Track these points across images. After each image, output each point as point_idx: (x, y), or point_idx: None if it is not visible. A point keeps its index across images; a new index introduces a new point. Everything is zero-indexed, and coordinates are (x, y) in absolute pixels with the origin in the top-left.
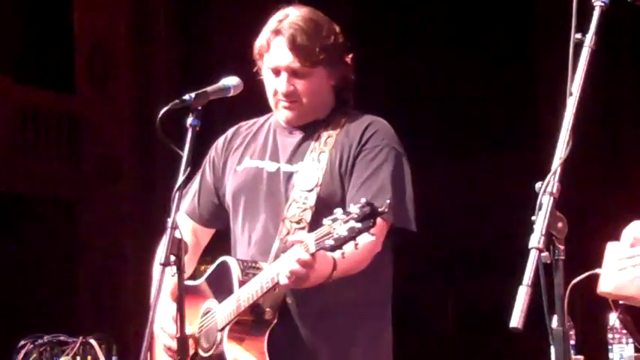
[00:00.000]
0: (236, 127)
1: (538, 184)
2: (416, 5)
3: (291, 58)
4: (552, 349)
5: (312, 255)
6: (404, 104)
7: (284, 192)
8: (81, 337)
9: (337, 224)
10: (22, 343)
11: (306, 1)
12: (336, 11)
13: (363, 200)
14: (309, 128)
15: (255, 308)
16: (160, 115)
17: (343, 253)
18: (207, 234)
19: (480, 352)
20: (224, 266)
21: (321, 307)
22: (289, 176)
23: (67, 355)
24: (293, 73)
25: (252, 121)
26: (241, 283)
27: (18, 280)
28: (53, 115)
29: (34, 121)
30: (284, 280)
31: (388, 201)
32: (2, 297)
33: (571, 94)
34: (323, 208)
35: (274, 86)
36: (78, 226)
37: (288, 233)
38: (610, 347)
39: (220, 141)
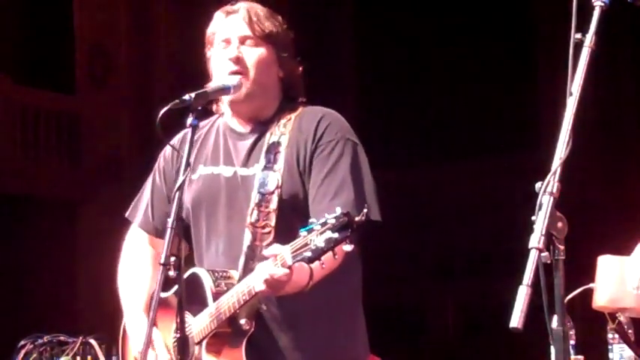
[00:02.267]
0: (182, 133)
1: (538, 184)
2: (416, 5)
3: (243, 27)
4: (552, 349)
5: (290, 267)
6: (404, 105)
7: (245, 197)
8: (81, 337)
9: (313, 235)
10: (22, 343)
11: (307, 2)
12: (337, 11)
13: (339, 210)
14: (259, 129)
15: (232, 320)
16: (160, 115)
17: (322, 263)
18: (163, 245)
19: (480, 352)
20: (194, 277)
21: (295, 310)
22: (247, 180)
23: (67, 355)
24: (243, 41)
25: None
26: (215, 295)
27: (18, 280)
28: (53, 115)
29: (34, 121)
30: (260, 288)
31: (365, 210)
32: (2, 297)
33: (571, 94)
34: (287, 209)
35: (224, 56)
36: (78, 227)
37: (255, 240)
38: (610, 347)
39: (168, 149)
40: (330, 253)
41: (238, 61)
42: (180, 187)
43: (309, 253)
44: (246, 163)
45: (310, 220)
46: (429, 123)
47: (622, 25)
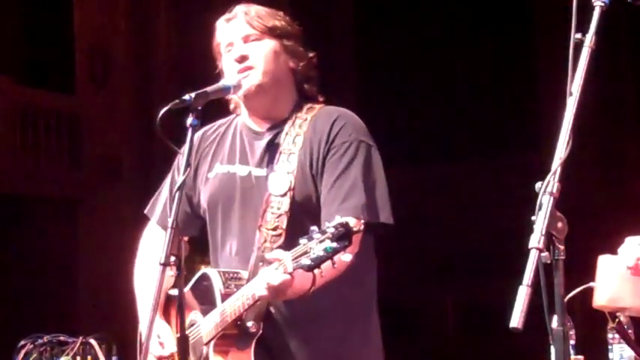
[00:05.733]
0: (201, 132)
1: (538, 184)
2: (416, 5)
3: (244, 27)
4: (552, 349)
5: (291, 274)
6: (404, 104)
7: (258, 197)
8: (81, 337)
9: (313, 243)
10: (22, 343)
11: (308, 2)
12: (338, 11)
13: (338, 219)
14: (275, 128)
15: (239, 322)
16: (159, 115)
17: (321, 272)
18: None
19: (480, 352)
20: (205, 278)
21: (306, 313)
22: (261, 181)
23: (67, 355)
24: (245, 40)
25: (216, 124)
26: (224, 296)
27: (18, 280)
28: (53, 115)
29: (34, 121)
30: (261, 293)
31: (362, 220)
32: (2, 297)
33: (571, 94)
34: (299, 212)
35: (230, 58)
36: (78, 227)
37: (265, 241)
38: (610, 347)
39: (186, 147)
40: (329, 262)
41: (243, 59)
42: (180, 188)
43: (308, 262)
44: (260, 163)
45: (311, 228)
46: (428, 122)
47: (622, 25)
